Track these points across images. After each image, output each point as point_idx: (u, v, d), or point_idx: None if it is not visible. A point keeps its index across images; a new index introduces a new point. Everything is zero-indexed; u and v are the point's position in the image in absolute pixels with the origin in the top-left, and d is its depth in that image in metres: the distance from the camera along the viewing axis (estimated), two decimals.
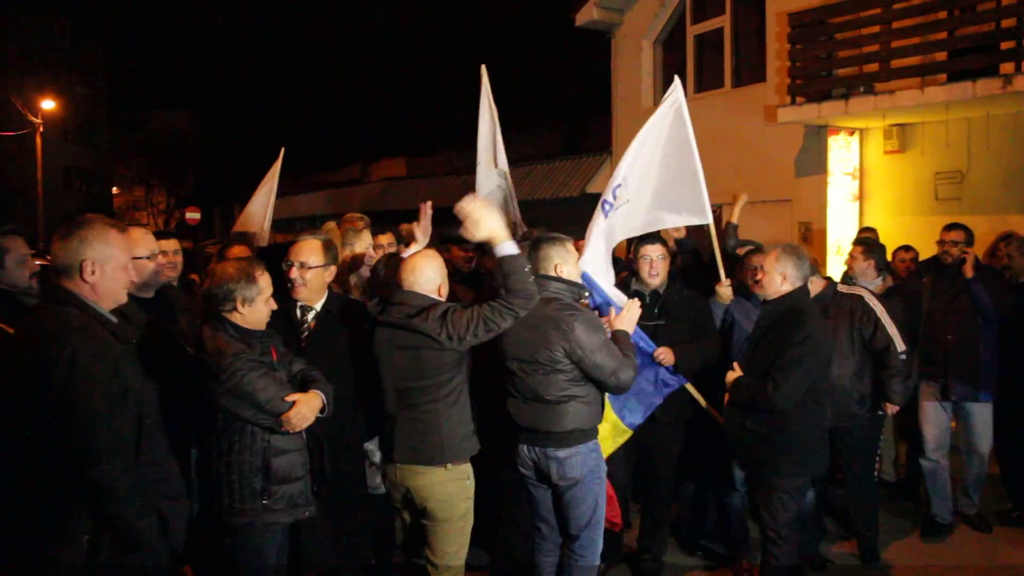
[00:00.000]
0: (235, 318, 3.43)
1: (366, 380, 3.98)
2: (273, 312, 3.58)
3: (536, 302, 3.65)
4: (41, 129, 30.50)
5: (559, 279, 3.97)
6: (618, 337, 4.07)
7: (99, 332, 2.85)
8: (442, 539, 3.79)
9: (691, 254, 6.14)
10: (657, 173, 5.12)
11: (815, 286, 5.02)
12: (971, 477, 5.95)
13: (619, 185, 5.01)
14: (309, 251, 4.10)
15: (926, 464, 5.84)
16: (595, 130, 14.47)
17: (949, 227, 5.92)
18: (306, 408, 3.40)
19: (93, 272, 2.91)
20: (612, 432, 4.58)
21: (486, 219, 3.59)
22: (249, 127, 30.18)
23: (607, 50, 13.29)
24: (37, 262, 4.46)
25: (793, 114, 9.58)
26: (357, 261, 4.90)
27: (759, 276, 4.58)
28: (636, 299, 4.40)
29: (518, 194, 6.38)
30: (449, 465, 3.76)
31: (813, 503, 5.07)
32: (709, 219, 5.02)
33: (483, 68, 6.07)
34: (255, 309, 3.46)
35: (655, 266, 4.99)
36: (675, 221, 5.21)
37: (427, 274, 3.83)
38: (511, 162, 6.34)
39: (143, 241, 3.89)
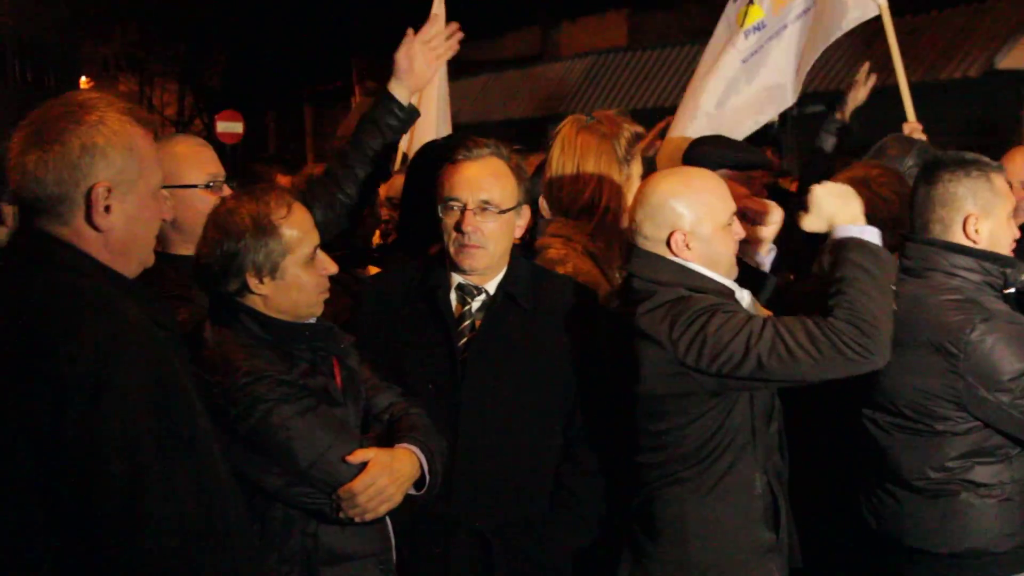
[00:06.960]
0: (254, 303, 2.23)
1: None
2: (408, 295, 2.58)
3: (877, 343, 2.32)
4: None
5: (967, 251, 2.75)
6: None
7: (136, 316, 1.83)
8: None
9: None
10: None
11: None
12: None
13: None
14: (492, 180, 2.65)
15: None
16: None
17: None
18: (386, 478, 2.21)
19: (108, 207, 1.82)
20: None
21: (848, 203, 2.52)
22: None
23: None
24: None
25: None
26: None
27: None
28: None
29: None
30: None
31: None
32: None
33: None
34: (287, 283, 2.22)
35: None
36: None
37: (668, 206, 2.54)
38: None
39: (196, 156, 2.68)
